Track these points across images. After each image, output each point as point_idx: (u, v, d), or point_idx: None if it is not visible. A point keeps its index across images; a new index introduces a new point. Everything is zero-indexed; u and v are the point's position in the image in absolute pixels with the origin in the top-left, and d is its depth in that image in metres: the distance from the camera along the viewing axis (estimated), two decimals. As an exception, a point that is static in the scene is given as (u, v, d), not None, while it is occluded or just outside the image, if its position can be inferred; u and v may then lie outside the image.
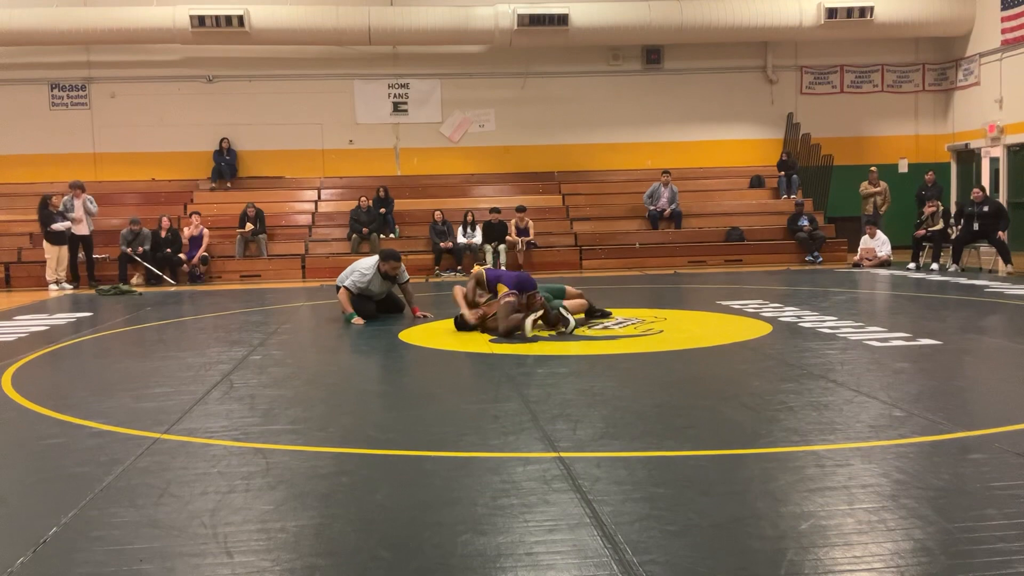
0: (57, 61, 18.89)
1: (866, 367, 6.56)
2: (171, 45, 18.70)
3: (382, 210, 17.82)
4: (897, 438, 4.57)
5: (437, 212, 17.33)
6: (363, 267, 9.76)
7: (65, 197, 15.60)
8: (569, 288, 9.52)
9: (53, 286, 15.26)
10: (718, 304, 10.71)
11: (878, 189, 18.19)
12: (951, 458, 4.21)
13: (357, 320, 9.44)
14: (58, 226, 15.24)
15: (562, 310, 8.42)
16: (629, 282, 14.52)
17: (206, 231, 16.58)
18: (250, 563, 3.13)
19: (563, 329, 8.32)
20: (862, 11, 18.49)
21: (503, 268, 16.45)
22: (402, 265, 9.84)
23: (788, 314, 9.61)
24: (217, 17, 17.75)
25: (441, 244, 16.91)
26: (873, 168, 18.55)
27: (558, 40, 18.79)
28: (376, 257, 9.85)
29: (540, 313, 8.27)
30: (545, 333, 8.37)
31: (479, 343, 8.06)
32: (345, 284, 9.68)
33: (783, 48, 20.11)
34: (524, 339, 8.08)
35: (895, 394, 5.60)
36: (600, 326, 8.90)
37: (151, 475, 4.16)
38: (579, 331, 8.55)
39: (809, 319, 9.16)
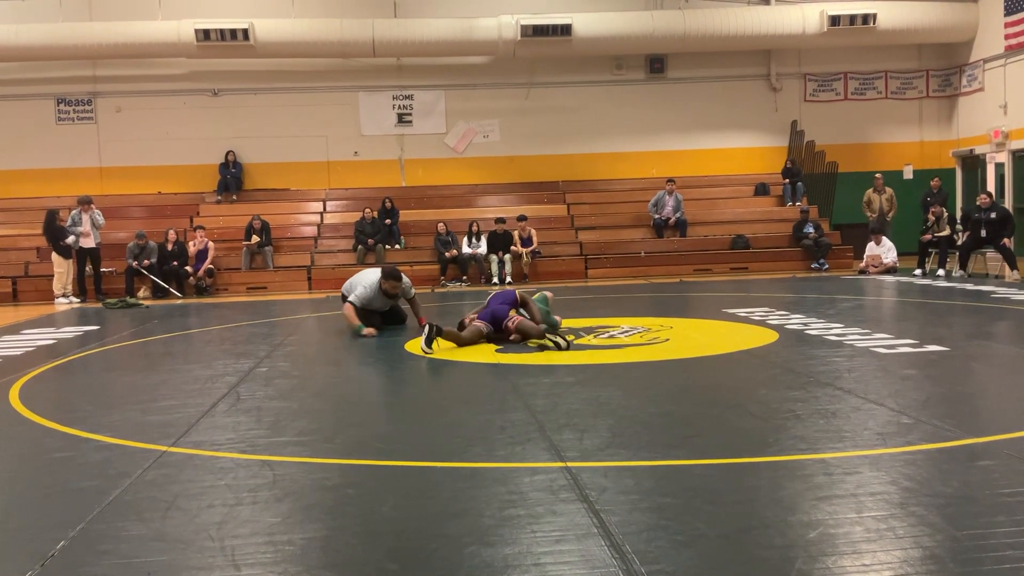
0: (63, 76, 18.99)
1: (873, 374, 6.54)
2: (176, 59, 18.80)
3: (387, 221, 17.85)
4: (905, 445, 4.56)
5: (440, 224, 17.33)
6: (366, 282, 9.71)
7: (73, 211, 15.67)
8: (547, 292, 9.62)
9: (60, 299, 15.30)
10: (724, 312, 10.69)
11: (877, 201, 18.10)
12: (960, 465, 4.19)
13: (369, 331, 9.36)
14: (69, 240, 15.30)
15: (552, 337, 8.30)
16: (634, 291, 14.51)
17: (211, 244, 16.62)
18: (257, 576, 3.13)
19: (551, 345, 8.23)
20: (865, 18, 18.51)
21: (508, 278, 16.49)
22: (404, 282, 9.71)
23: (794, 322, 9.59)
24: (222, 31, 17.83)
25: (446, 254, 16.91)
26: (878, 175, 18.53)
27: (562, 50, 18.84)
28: (379, 272, 9.80)
29: (427, 333, 8.14)
30: (550, 343, 8.35)
31: (485, 354, 8.06)
32: (350, 299, 9.65)
33: (786, 56, 20.13)
34: (530, 348, 8.11)
35: (903, 401, 5.58)
36: (606, 335, 8.90)
37: (158, 488, 4.17)
38: (584, 340, 8.56)
39: (815, 326, 9.14)
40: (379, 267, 10.11)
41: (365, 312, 9.66)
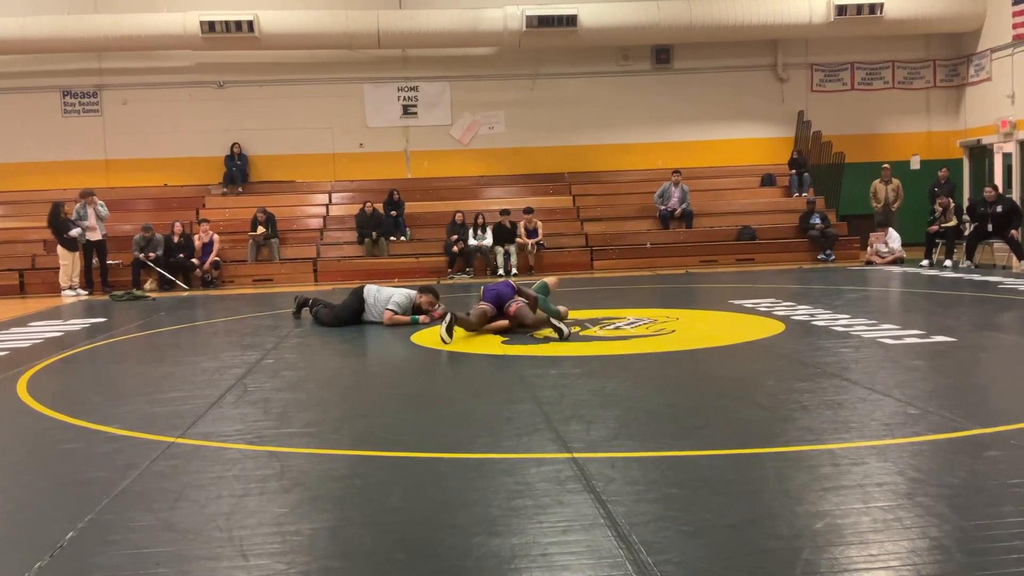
0: (69, 68, 18.99)
1: (880, 365, 6.53)
2: (182, 51, 18.78)
3: (393, 213, 17.83)
4: (912, 436, 4.55)
5: (458, 214, 17.22)
6: (405, 292, 9.82)
7: (77, 205, 15.68)
8: (548, 279, 9.66)
9: (67, 292, 15.34)
10: (730, 303, 10.68)
11: (883, 192, 18.04)
12: (967, 455, 4.19)
13: (424, 318, 9.62)
14: (73, 232, 15.33)
15: (557, 322, 8.30)
16: (640, 282, 14.50)
17: (216, 236, 16.64)
18: (265, 566, 3.14)
19: (558, 336, 8.22)
20: (872, 8, 18.42)
21: (514, 268, 16.49)
22: (439, 303, 9.94)
23: (801, 313, 9.58)
24: (227, 23, 17.81)
25: (453, 248, 16.81)
26: (886, 165, 18.46)
27: (567, 41, 18.78)
28: (412, 292, 9.88)
29: (448, 321, 8.23)
30: (553, 333, 8.34)
31: (492, 345, 8.06)
32: (389, 306, 9.66)
33: (793, 46, 20.04)
34: (536, 340, 8.12)
35: (910, 392, 5.57)
36: (612, 326, 8.90)
37: (166, 479, 4.18)
38: (590, 331, 8.56)
39: (822, 317, 9.13)
40: (395, 286, 10.17)
41: (355, 311, 9.84)
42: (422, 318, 9.63)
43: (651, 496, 3.72)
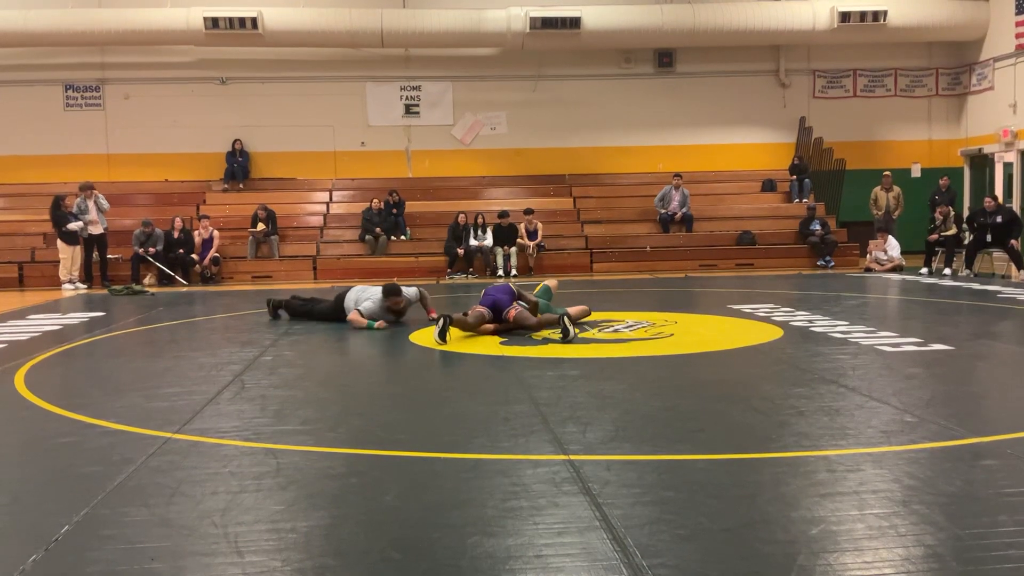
0: (71, 62, 18.99)
1: (878, 372, 6.54)
2: (185, 47, 18.79)
3: (394, 211, 17.83)
4: (908, 443, 4.55)
5: (461, 215, 17.20)
6: (375, 297, 9.65)
7: (77, 199, 15.67)
8: (549, 281, 9.63)
9: (67, 286, 15.33)
10: (729, 308, 10.69)
11: (884, 199, 18.05)
12: (962, 464, 4.19)
13: (380, 324, 9.42)
14: (72, 225, 15.32)
15: (565, 319, 8.29)
16: (640, 285, 14.50)
17: (216, 232, 16.64)
18: (260, 563, 3.14)
19: (561, 336, 8.21)
20: (875, 15, 18.43)
21: (513, 270, 16.50)
22: (408, 293, 9.72)
23: (799, 318, 9.58)
24: (231, 19, 17.82)
25: (458, 250, 16.78)
26: (887, 172, 18.48)
27: (570, 43, 18.79)
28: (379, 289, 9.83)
29: (441, 325, 8.16)
30: (556, 335, 8.36)
31: (490, 346, 8.07)
32: (359, 308, 9.59)
33: (796, 52, 20.05)
34: (534, 341, 8.12)
35: (907, 399, 5.58)
36: (610, 329, 8.90)
37: (162, 474, 4.18)
38: (587, 334, 8.57)
39: (820, 324, 9.13)
40: (380, 285, 10.05)
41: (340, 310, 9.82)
42: (378, 324, 9.36)
43: (647, 499, 3.72)
